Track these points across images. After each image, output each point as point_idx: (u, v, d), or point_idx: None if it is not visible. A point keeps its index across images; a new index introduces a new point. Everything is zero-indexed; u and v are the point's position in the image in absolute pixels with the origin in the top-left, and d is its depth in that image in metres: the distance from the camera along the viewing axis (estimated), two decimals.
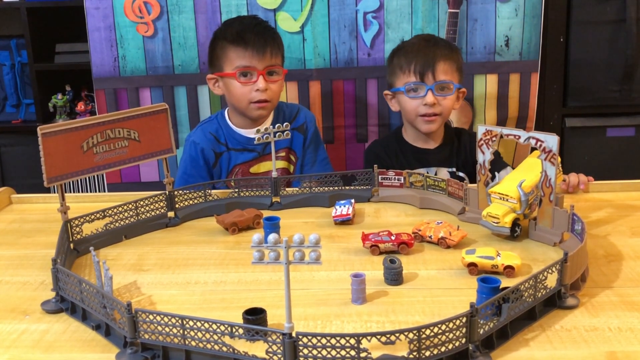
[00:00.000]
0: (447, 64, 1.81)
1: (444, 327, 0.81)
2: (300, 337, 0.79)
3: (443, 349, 0.82)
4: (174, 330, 0.85)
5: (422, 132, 1.86)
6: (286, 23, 2.16)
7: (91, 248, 1.11)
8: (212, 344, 0.84)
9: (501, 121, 2.25)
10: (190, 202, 1.44)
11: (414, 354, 0.80)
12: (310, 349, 0.79)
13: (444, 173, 1.82)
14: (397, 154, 1.91)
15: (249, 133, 1.86)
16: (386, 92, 1.94)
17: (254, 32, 1.82)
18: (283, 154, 1.93)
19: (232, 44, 1.81)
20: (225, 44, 1.82)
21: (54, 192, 1.42)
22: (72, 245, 1.24)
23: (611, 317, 0.95)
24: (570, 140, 2.65)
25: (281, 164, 1.92)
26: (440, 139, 1.90)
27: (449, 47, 1.87)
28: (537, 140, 1.19)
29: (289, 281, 0.80)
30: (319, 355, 0.79)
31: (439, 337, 0.81)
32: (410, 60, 1.82)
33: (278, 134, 1.47)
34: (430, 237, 1.23)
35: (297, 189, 1.53)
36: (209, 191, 1.46)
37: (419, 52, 1.83)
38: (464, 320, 0.83)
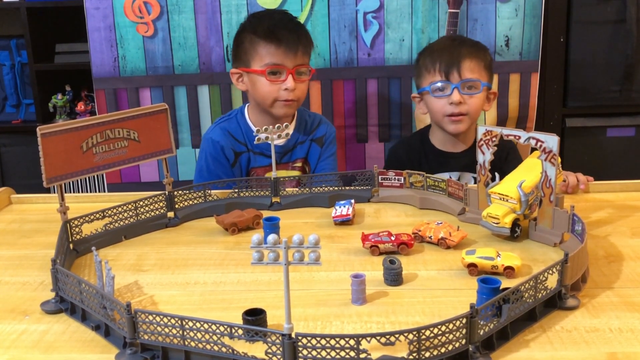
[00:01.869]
0: (474, 62, 1.78)
1: (444, 328, 0.81)
2: (299, 337, 0.79)
3: (443, 350, 0.82)
4: (174, 331, 0.85)
5: (449, 133, 1.82)
6: None
7: (93, 248, 1.11)
8: (212, 344, 0.84)
9: (501, 121, 2.25)
10: (190, 202, 1.44)
11: (414, 354, 0.80)
12: (309, 349, 0.79)
13: (467, 178, 1.80)
14: (419, 157, 1.88)
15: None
16: (413, 94, 1.92)
17: (287, 29, 1.77)
18: (299, 164, 1.90)
19: (263, 39, 1.76)
20: (256, 38, 1.77)
21: (54, 192, 1.42)
22: (71, 245, 1.24)
23: (612, 317, 0.95)
24: (570, 140, 2.65)
25: (297, 174, 1.88)
26: (470, 142, 1.84)
27: (476, 45, 1.84)
28: (537, 140, 1.19)
29: (288, 282, 0.80)
30: (319, 356, 0.79)
31: (439, 338, 0.81)
32: (435, 59, 1.79)
33: (278, 134, 1.47)
34: (430, 237, 1.23)
35: (296, 189, 1.53)
36: (209, 191, 1.46)
37: (444, 50, 1.80)
38: (464, 321, 0.83)
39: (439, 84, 1.78)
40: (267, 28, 1.76)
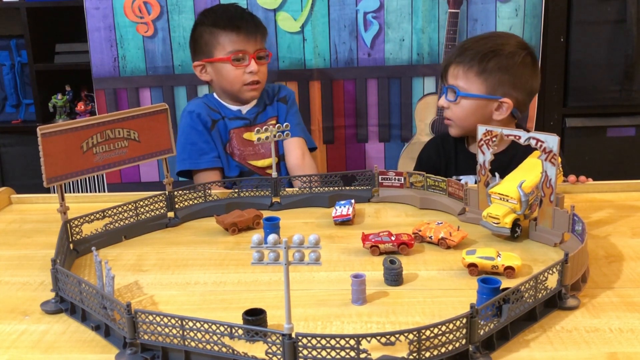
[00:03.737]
0: (460, 68, 1.72)
1: (444, 328, 0.81)
2: (299, 337, 0.79)
3: (443, 350, 0.82)
4: (174, 331, 0.85)
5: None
6: (286, 23, 2.16)
7: (93, 248, 1.10)
8: (212, 344, 0.84)
9: None
10: (190, 202, 1.44)
11: (414, 354, 0.80)
12: (310, 349, 0.79)
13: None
14: (448, 157, 1.85)
15: (241, 108, 1.97)
16: None
17: (244, 19, 1.92)
18: (273, 121, 1.99)
19: (224, 29, 1.89)
20: (216, 30, 1.90)
21: (54, 192, 1.42)
22: (71, 245, 1.24)
23: (612, 317, 0.95)
24: (570, 140, 2.65)
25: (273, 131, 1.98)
26: (503, 145, 1.66)
27: (473, 50, 1.72)
28: (537, 140, 1.19)
29: (288, 282, 0.80)
30: (319, 356, 0.79)
31: (439, 338, 0.81)
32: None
33: (278, 134, 1.47)
34: (430, 237, 1.23)
35: (297, 189, 1.53)
36: (209, 191, 1.46)
37: (451, 51, 1.81)
38: (464, 321, 0.82)
39: (441, 85, 1.81)
40: (226, 19, 1.91)
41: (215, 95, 2.00)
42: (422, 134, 2.24)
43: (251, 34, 1.89)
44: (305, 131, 2.06)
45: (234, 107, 1.97)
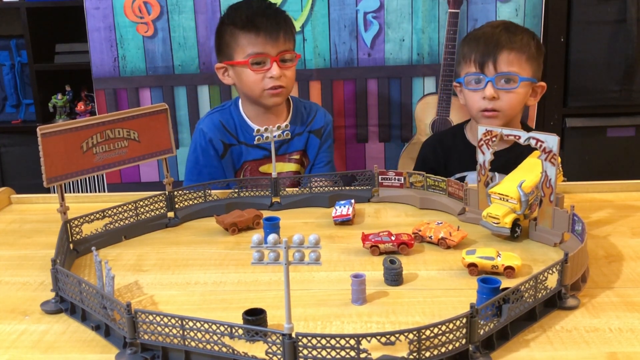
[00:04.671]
0: (514, 54, 1.65)
1: (444, 327, 0.81)
2: (300, 337, 0.79)
3: (443, 349, 0.82)
4: (174, 331, 0.85)
5: None
6: None
7: (93, 248, 1.10)
8: (212, 344, 0.84)
9: None
10: (190, 202, 1.44)
11: (414, 354, 0.80)
12: (310, 349, 0.79)
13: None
14: (449, 153, 1.79)
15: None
16: (454, 83, 1.82)
17: (265, 16, 1.73)
18: (297, 156, 1.88)
19: (242, 30, 1.72)
20: (235, 30, 1.74)
21: (54, 192, 1.42)
22: (71, 245, 1.24)
23: (612, 317, 0.95)
24: (570, 140, 2.65)
25: (294, 167, 1.88)
26: (509, 141, 1.60)
27: (520, 34, 1.68)
28: (537, 140, 1.19)
29: (288, 282, 0.80)
30: (319, 355, 0.79)
31: (439, 337, 0.81)
32: (472, 48, 1.68)
33: (278, 134, 1.47)
34: (430, 237, 1.23)
35: (296, 189, 1.53)
36: (209, 191, 1.46)
37: (482, 38, 1.68)
38: (464, 321, 0.83)
39: (473, 77, 1.69)
40: (245, 18, 1.73)
41: (240, 106, 1.85)
42: (422, 134, 2.24)
43: (272, 35, 1.70)
44: (333, 170, 1.93)
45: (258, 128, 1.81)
